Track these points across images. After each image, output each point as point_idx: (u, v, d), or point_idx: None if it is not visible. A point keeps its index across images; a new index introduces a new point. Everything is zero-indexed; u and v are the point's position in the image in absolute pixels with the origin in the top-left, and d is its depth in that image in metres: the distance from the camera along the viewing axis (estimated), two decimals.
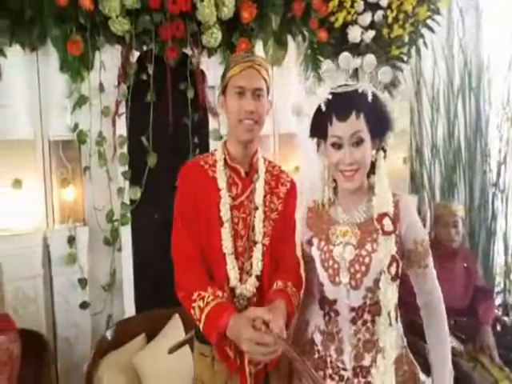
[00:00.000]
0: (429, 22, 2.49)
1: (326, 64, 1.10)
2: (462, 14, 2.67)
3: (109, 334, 1.73)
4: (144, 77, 1.91)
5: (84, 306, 1.82)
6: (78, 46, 1.76)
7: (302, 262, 1.18)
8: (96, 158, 1.87)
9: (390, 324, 1.03)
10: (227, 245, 1.06)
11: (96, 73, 1.85)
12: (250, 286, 1.08)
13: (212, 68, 2.01)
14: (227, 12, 1.94)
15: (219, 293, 1.00)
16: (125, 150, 1.93)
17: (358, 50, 2.30)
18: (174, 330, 1.70)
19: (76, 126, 1.83)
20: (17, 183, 1.74)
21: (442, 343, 1.09)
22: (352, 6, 2.24)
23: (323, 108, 1.01)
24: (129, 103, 1.90)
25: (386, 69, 1.10)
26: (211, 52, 2.02)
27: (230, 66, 1.11)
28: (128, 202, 1.93)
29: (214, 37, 1.94)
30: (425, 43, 2.52)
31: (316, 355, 1.12)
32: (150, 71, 1.91)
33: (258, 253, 1.09)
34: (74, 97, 1.81)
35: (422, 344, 1.19)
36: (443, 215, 2.07)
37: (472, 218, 2.62)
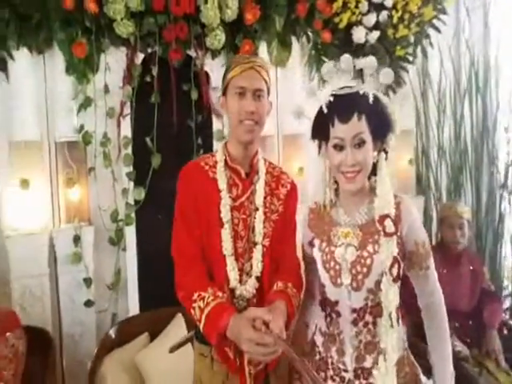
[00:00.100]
0: (435, 21, 2.48)
1: (327, 66, 1.10)
2: (468, 14, 2.65)
3: (112, 332, 1.75)
4: (148, 78, 1.93)
5: (89, 304, 1.85)
6: (83, 48, 1.79)
7: (302, 263, 1.18)
8: (101, 158, 1.89)
9: (392, 325, 1.03)
10: (227, 246, 1.07)
11: (101, 75, 1.88)
12: (249, 287, 1.08)
13: (216, 69, 2.02)
14: (231, 14, 1.95)
15: (219, 293, 1.01)
16: (129, 150, 1.95)
17: (362, 50, 2.30)
18: (177, 329, 1.72)
19: (81, 127, 1.86)
20: (24, 183, 1.77)
21: (443, 345, 1.09)
22: (356, 7, 2.24)
23: (325, 110, 1.01)
24: (133, 104, 1.92)
25: (387, 70, 1.10)
26: (215, 54, 2.03)
27: (230, 67, 1.11)
28: (132, 203, 1.95)
29: (217, 39, 1.96)
30: (431, 43, 2.50)
31: (317, 356, 1.12)
32: (154, 73, 1.93)
33: (257, 254, 1.09)
34: (79, 98, 1.84)
35: (422, 346, 1.18)
36: (449, 217, 2.05)
37: (479, 220, 2.59)
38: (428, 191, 2.62)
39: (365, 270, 1.03)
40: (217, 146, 2.06)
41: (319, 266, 1.09)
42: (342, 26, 2.24)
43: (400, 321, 1.09)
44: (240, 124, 1.09)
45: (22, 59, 1.77)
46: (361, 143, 1.00)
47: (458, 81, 2.64)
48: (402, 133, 2.56)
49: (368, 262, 1.03)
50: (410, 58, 2.46)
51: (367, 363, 1.04)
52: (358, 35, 2.25)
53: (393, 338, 1.03)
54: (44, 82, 1.84)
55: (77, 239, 1.83)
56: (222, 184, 1.10)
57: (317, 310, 1.15)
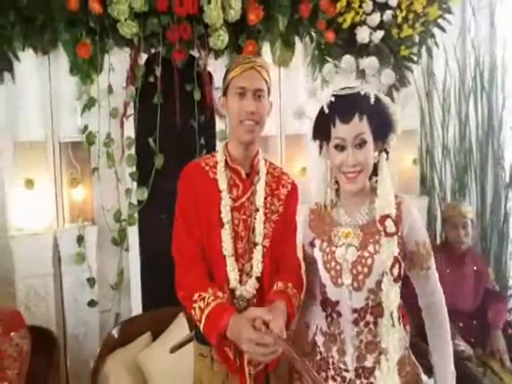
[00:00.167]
0: (440, 21, 2.46)
1: (328, 66, 1.10)
2: (474, 13, 2.62)
3: (115, 332, 1.76)
4: (152, 79, 1.94)
5: (92, 304, 1.86)
6: (87, 49, 1.80)
7: (302, 264, 1.18)
8: (104, 158, 1.90)
9: (393, 325, 1.03)
10: (227, 246, 1.07)
11: (105, 75, 1.88)
12: (249, 288, 1.08)
13: (219, 70, 2.02)
14: (234, 14, 1.95)
15: (220, 293, 1.01)
16: (132, 151, 1.96)
17: (366, 50, 2.29)
18: (179, 328, 1.72)
19: (85, 127, 1.86)
20: (29, 183, 1.79)
21: (444, 344, 1.09)
22: (360, 7, 2.23)
23: (326, 110, 1.01)
24: (137, 105, 1.93)
25: (388, 71, 1.10)
26: (218, 54, 2.03)
27: (231, 68, 1.12)
28: (135, 203, 1.96)
29: (220, 39, 1.96)
30: (436, 43, 2.49)
31: (318, 356, 1.13)
32: (158, 73, 1.93)
33: (258, 254, 1.09)
34: (83, 99, 1.85)
35: (424, 345, 1.18)
36: (452, 216, 2.05)
37: (484, 221, 2.57)
38: (432, 191, 2.60)
39: (366, 270, 1.03)
40: (220, 146, 2.06)
41: (320, 266, 1.09)
42: (345, 26, 2.23)
43: (401, 320, 1.09)
44: (240, 124, 1.09)
45: (27, 60, 1.79)
46: (362, 143, 1.00)
47: (462, 80, 2.63)
48: (406, 133, 2.56)
49: (369, 262, 1.03)
50: (415, 58, 2.45)
51: (368, 363, 1.04)
52: (362, 35, 2.25)
53: (394, 337, 1.03)
54: (49, 82, 1.85)
55: (80, 239, 1.84)
56: (223, 184, 1.10)
57: (318, 310, 1.15)
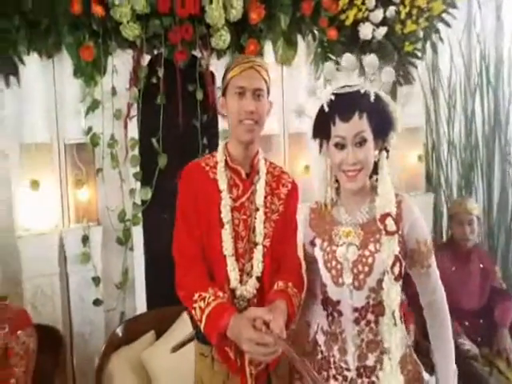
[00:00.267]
0: (445, 15, 2.43)
1: (328, 66, 1.09)
2: (480, 7, 2.59)
3: (119, 331, 1.79)
4: (154, 80, 1.96)
5: (97, 303, 1.88)
6: (91, 51, 1.82)
7: (303, 263, 1.18)
8: (109, 159, 1.92)
9: (395, 324, 1.03)
10: (228, 246, 1.07)
11: (108, 77, 1.90)
12: (250, 288, 1.08)
13: (221, 69, 1.99)
14: (235, 14, 1.96)
15: (220, 293, 1.01)
16: (136, 151, 1.98)
17: (369, 47, 2.27)
18: (183, 327, 1.73)
19: (89, 129, 1.89)
20: (35, 184, 1.82)
21: (446, 343, 1.08)
22: (363, 3, 2.21)
23: (326, 109, 1.01)
24: (140, 106, 1.95)
25: (388, 69, 1.09)
26: (220, 54, 2.04)
27: (230, 68, 1.12)
28: (139, 203, 1.98)
29: (222, 39, 1.96)
30: (440, 38, 2.46)
31: (319, 356, 1.12)
32: (160, 74, 1.95)
33: (258, 254, 1.09)
34: (87, 101, 1.87)
35: (425, 344, 1.17)
36: (458, 213, 2.03)
37: (491, 218, 2.53)
38: (438, 188, 2.58)
39: (366, 269, 1.03)
40: (220, 146, 2.07)
41: (321, 265, 1.09)
42: (348, 23, 2.22)
43: (402, 319, 1.08)
44: (240, 124, 1.09)
45: (32, 64, 1.81)
46: (362, 142, 1.00)
47: (468, 75, 2.59)
48: (410, 130, 2.54)
49: (370, 260, 1.03)
50: (419, 54, 2.43)
51: (369, 362, 1.04)
52: (365, 32, 2.23)
53: (396, 337, 1.03)
54: (53, 85, 1.88)
55: (85, 239, 1.87)
56: (223, 184, 1.10)
57: (318, 309, 1.15)
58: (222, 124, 2.08)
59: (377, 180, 1.07)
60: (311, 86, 1.13)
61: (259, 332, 0.91)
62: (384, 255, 1.01)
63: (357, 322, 1.05)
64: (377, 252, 1.02)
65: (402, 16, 2.29)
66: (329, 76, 1.10)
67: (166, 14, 1.88)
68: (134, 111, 1.96)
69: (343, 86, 1.02)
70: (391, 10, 2.26)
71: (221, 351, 1.07)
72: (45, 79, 1.85)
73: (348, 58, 1.11)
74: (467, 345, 1.79)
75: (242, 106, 1.08)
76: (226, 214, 1.08)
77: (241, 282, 1.08)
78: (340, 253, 1.05)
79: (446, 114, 2.57)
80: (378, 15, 2.24)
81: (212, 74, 2.04)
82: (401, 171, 2.45)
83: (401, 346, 1.05)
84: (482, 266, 2.03)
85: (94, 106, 1.88)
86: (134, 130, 1.97)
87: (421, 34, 2.40)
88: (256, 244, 1.10)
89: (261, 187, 1.13)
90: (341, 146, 1.01)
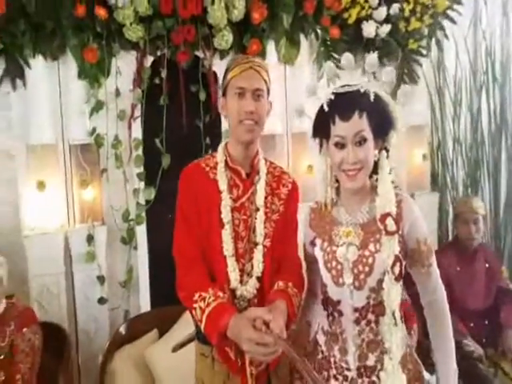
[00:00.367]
0: (450, 12, 2.40)
1: (328, 65, 1.09)
2: (486, 2, 2.55)
3: (123, 329, 1.81)
4: (158, 81, 1.97)
5: (102, 301, 1.91)
6: (95, 53, 1.84)
7: (303, 263, 1.18)
8: (113, 160, 1.94)
9: (396, 324, 1.02)
10: (228, 247, 1.07)
11: (112, 78, 1.92)
12: (250, 288, 1.08)
13: (224, 69, 2.04)
14: (237, 14, 1.96)
15: (220, 293, 1.01)
16: (140, 152, 1.99)
17: (373, 45, 2.26)
18: (185, 326, 1.74)
19: (94, 130, 1.91)
20: (41, 185, 1.84)
21: (447, 342, 1.08)
22: (366, 1, 2.21)
23: (326, 108, 1.01)
24: (143, 107, 1.96)
25: (389, 69, 1.09)
26: (223, 54, 2.05)
27: (230, 68, 1.12)
28: (143, 203, 2.00)
29: (225, 39, 1.97)
30: (445, 35, 2.43)
31: (320, 355, 1.12)
32: (163, 75, 1.96)
33: (258, 254, 1.09)
34: (91, 102, 1.89)
35: (426, 343, 1.17)
36: (463, 212, 2.01)
37: (498, 218, 2.50)
38: (444, 187, 2.55)
39: (367, 269, 1.02)
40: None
41: (321, 265, 1.09)
42: (351, 21, 2.21)
43: (402, 319, 1.08)
44: (240, 124, 1.09)
45: (37, 66, 1.84)
46: (362, 141, 0.99)
47: (474, 72, 2.56)
48: (415, 128, 2.51)
49: (370, 261, 1.02)
50: (424, 51, 2.41)
51: (370, 361, 1.04)
52: (369, 30, 2.22)
53: (397, 336, 1.03)
54: (58, 87, 1.90)
55: (90, 238, 1.89)
56: (223, 185, 1.10)
57: (319, 309, 1.15)
58: (225, 124, 2.09)
59: (377, 180, 1.06)
60: (311, 86, 1.13)
61: (259, 332, 0.91)
62: (384, 255, 1.01)
63: (357, 321, 1.04)
64: (377, 252, 1.02)
65: (406, 13, 2.27)
66: (329, 75, 1.10)
67: (169, 16, 1.89)
68: (137, 112, 1.97)
69: (343, 86, 1.02)
70: (395, 7, 2.25)
71: (221, 351, 1.07)
72: (50, 81, 1.88)
73: (347, 58, 1.11)
74: (472, 346, 1.77)
75: (241, 106, 1.08)
76: (226, 215, 1.08)
77: (241, 282, 1.07)
78: (340, 253, 1.05)
79: (452, 112, 2.54)
80: (381, 13, 2.23)
81: (215, 75, 2.05)
82: (406, 170, 2.44)
83: (401, 345, 1.05)
84: (487, 265, 2.01)
85: (98, 107, 1.90)
86: (137, 131, 1.99)
87: (425, 31, 2.38)
88: (256, 244, 1.10)
89: (261, 187, 1.13)
90: (341, 146, 1.01)
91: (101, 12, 1.80)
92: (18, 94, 1.85)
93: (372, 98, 0.99)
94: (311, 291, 1.19)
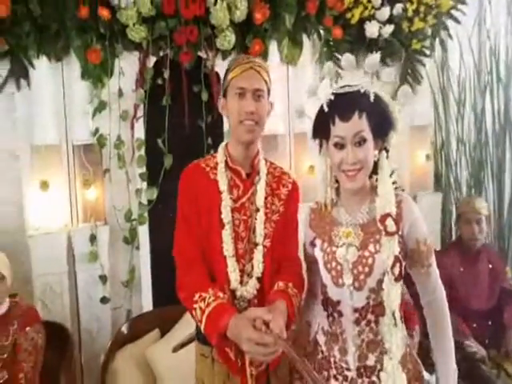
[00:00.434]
0: (454, 12, 2.39)
1: (327, 65, 1.10)
2: (490, 2, 2.53)
3: (125, 328, 1.82)
4: (160, 81, 1.98)
5: (104, 301, 1.92)
6: (98, 54, 1.85)
7: (304, 263, 1.18)
8: (115, 160, 1.95)
9: (395, 324, 1.02)
10: (228, 247, 1.07)
11: (115, 79, 1.93)
12: (250, 288, 1.08)
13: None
14: (240, 14, 1.97)
15: (220, 294, 1.01)
16: (142, 152, 2.00)
17: (376, 45, 2.25)
18: (186, 326, 1.75)
19: (97, 130, 1.92)
20: (44, 185, 1.86)
21: (446, 342, 1.08)
22: (369, 1, 2.20)
23: (325, 109, 1.01)
24: (146, 107, 1.97)
25: (389, 70, 1.09)
26: (225, 54, 2.05)
27: (230, 68, 1.12)
28: (145, 203, 2.01)
29: (227, 39, 1.98)
30: (449, 35, 2.42)
31: (320, 356, 1.12)
32: (166, 75, 1.97)
33: (258, 255, 1.09)
34: (94, 102, 1.90)
35: (425, 342, 1.17)
36: (466, 212, 2.00)
37: (501, 219, 2.48)
38: (447, 188, 2.54)
39: (366, 269, 1.02)
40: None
41: (321, 266, 1.09)
42: (353, 21, 2.20)
43: (402, 319, 1.08)
44: (240, 124, 1.09)
45: (41, 67, 1.85)
46: (361, 141, 1.00)
47: (478, 72, 2.54)
48: (418, 128, 2.50)
49: (369, 261, 1.02)
50: (427, 52, 2.39)
51: (370, 361, 1.04)
52: (371, 30, 2.21)
53: (397, 336, 1.03)
54: (62, 87, 1.91)
55: (93, 238, 1.90)
56: (223, 185, 1.10)
57: (319, 309, 1.15)
58: (227, 125, 2.09)
59: (377, 180, 1.06)
60: (311, 87, 1.13)
61: (259, 332, 0.91)
62: (384, 256, 1.01)
63: (357, 322, 1.05)
64: (377, 253, 1.02)
65: (409, 13, 2.26)
66: (329, 75, 1.10)
67: (171, 16, 1.90)
68: (140, 112, 1.98)
69: (343, 86, 1.02)
70: (398, 7, 2.24)
71: (221, 352, 1.07)
72: (54, 82, 1.89)
73: (348, 58, 1.12)
74: (474, 347, 1.76)
75: (242, 106, 1.08)
76: (226, 215, 1.08)
77: (241, 282, 1.08)
78: (340, 254, 1.05)
79: (456, 112, 2.53)
80: (384, 13, 2.22)
81: (217, 75, 2.05)
82: (409, 170, 2.43)
83: (401, 345, 1.05)
84: (491, 266, 2.00)
85: (101, 107, 1.91)
86: (140, 131, 2.00)
87: (429, 31, 2.37)
88: (256, 244, 1.10)
89: (261, 188, 1.13)
90: (340, 146, 1.01)
91: (104, 13, 1.81)
92: (23, 94, 1.86)
93: (372, 98, 0.99)
94: (311, 292, 1.19)
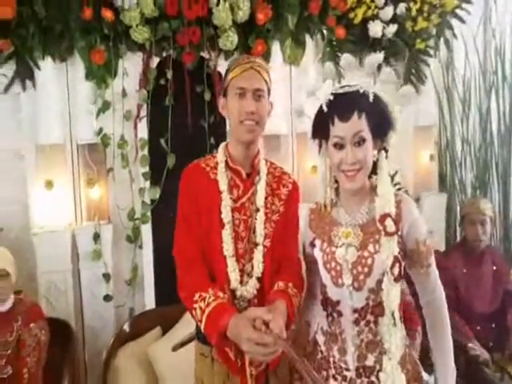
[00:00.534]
0: (459, 11, 2.37)
1: (327, 66, 1.10)
2: (495, 1, 2.51)
3: (127, 326, 1.84)
4: (163, 81, 1.99)
5: (107, 298, 1.94)
6: (102, 55, 1.87)
7: (303, 264, 1.18)
8: (119, 159, 1.97)
9: (395, 324, 1.02)
10: (228, 247, 1.07)
11: (119, 79, 1.95)
12: (250, 288, 1.08)
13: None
14: (242, 15, 1.97)
15: (220, 294, 1.01)
16: (145, 151, 2.02)
17: (380, 45, 2.24)
18: (188, 324, 1.75)
19: (100, 130, 1.94)
20: (49, 184, 1.88)
21: (445, 342, 1.08)
22: (372, 1, 2.19)
23: (325, 109, 1.01)
24: (149, 107, 1.99)
25: (388, 69, 1.09)
26: (228, 55, 2.06)
27: (230, 68, 1.12)
28: (148, 202, 2.02)
29: (229, 40, 1.98)
30: (454, 34, 2.40)
31: (319, 355, 1.12)
32: (169, 76, 1.98)
33: (258, 255, 1.09)
34: (98, 103, 1.92)
35: (425, 343, 1.16)
36: (470, 213, 1.99)
37: (507, 220, 2.45)
38: (452, 188, 2.52)
39: (366, 270, 1.02)
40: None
41: (320, 266, 1.09)
42: (356, 21, 2.20)
43: (402, 319, 1.08)
44: (240, 124, 1.09)
45: (46, 68, 1.88)
46: (361, 141, 1.00)
47: (483, 71, 2.51)
48: (422, 129, 2.48)
49: (369, 261, 1.02)
50: (432, 51, 2.38)
51: (369, 362, 1.04)
52: (375, 30, 2.21)
53: (396, 337, 1.03)
54: (66, 88, 1.94)
55: (97, 237, 1.92)
56: (223, 185, 1.10)
57: (318, 309, 1.15)
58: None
59: (376, 180, 1.06)
60: (311, 87, 1.13)
61: (259, 332, 0.91)
62: (383, 256, 1.01)
63: (356, 322, 1.04)
64: (376, 253, 1.02)
65: (413, 13, 2.25)
66: (329, 75, 1.10)
67: (174, 17, 1.92)
68: (143, 112, 2.00)
69: (342, 86, 1.02)
70: (401, 6, 2.23)
71: (221, 352, 1.07)
72: (58, 82, 1.92)
73: (347, 58, 1.12)
74: (477, 350, 1.75)
75: (242, 106, 1.08)
76: (226, 215, 1.08)
77: (241, 282, 1.07)
78: (339, 254, 1.05)
79: (461, 112, 2.51)
80: (387, 13, 2.21)
81: (220, 75, 2.06)
82: (413, 171, 2.41)
83: (401, 346, 1.04)
84: (495, 268, 1.98)
85: (104, 107, 1.93)
86: (143, 131, 2.02)
87: (433, 30, 2.35)
88: (256, 244, 1.10)
89: (261, 188, 1.13)
90: (340, 146, 1.01)
91: (107, 14, 1.83)
92: (28, 94, 1.89)
93: (371, 98, 0.99)
94: (311, 292, 1.19)
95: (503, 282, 1.96)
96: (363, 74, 1.02)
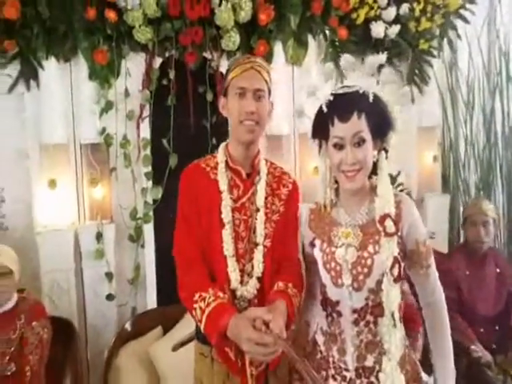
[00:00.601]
0: (463, 11, 2.36)
1: (327, 66, 1.10)
2: (500, 1, 2.49)
3: (129, 325, 1.84)
4: (166, 82, 2.00)
5: (110, 298, 1.95)
6: (105, 55, 1.88)
7: (303, 264, 1.18)
8: (122, 159, 1.98)
9: (395, 325, 1.02)
10: (228, 247, 1.07)
11: (122, 79, 1.96)
12: (250, 288, 1.08)
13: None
14: (244, 15, 1.98)
15: (220, 294, 1.01)
16: (148, 151, 2.03)
17: (382, 45, 2.24)
18: (189, 324, 1.76)
19: (103, 129, 1.95)
20: (52, 183, 1.90)
21: (445, 343, 1.08)
22: (375, 1, 2.19)
23: (324, 109, 1.01)
24: (152, 107, 2.00)
25: (388, 70, 1.09)
26: (230, 55, 2.06)
27: (231, 68, 1.13)
28: (151, 202, 2.03)
29: (232, 40, 1.99)
30: (458, 35, 2.39)
31: (318, 356, 1.13)
32: (172, 76, 1.99)
33: (259, 255, 1.09)
34: (101, 102, 1.94)
35: (425, 343, 1.16)
36: (472, 214, 1.97)
37: (511, 222, 2.43)
38: (456, 190, 2.51)
39: (365, 270, 1.02)
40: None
41: (320, 266, 1.09)
42: (359, 21, 2.20)
43: (401, 319, 1.07)
44: (240, 124, 1.09)
45: (50, 68, 1.89)
46: (360, 142, 1.00)
47: (487, 72, 2.50)
48: (425, 129, 2.47)
49: (369, 262, 1.02)
50: (435, 52, 2.37)
51: (368, 362, 1.04)
52: (377, 30, 2.20)
53: (396, 337, 1.02)
54: (70, 88, 1.95)
55: (99, 236, 1.93)
56: (223, 185, 1.10)
57: (318, 309, 1.15)
58: None
59: (376, 180, 1.06)
60: (311, 87, 1.13)
61: (259, 332, 0.91)
62: (383, 256, 1.01)
63: (356, 322, 1.05)
64: (376, 253, 1.02)
65: (416, 13, 2.25)
66: (330, 76, 1.10)
67: (177, 18, 1.92)
68: (146, 112, 2.01)
69: (342, 86, 1.03)
70: (404, 7, 2.23)
71: (221, 352, 1.07)
72: (62, 82, 1.93)
73: (347, 59, 1.12)
74: (480, 352, 1.74)
75: (242, 106, 1.08)
76: (226, 215, 1.08)
77: (241, 282, 1.08)
78: (339, 254, 1.05)
79: (464, 113, 2.50)
80: (390, 13, 2.21)
81: (222, 75, 2.06)
82: (416, 171, 2.40)
83: (400, 346, 1.04)
84: (498, 270, 1.96)
85: (107, 107, 1.94)
86: (146, 131, 2.03)
87: (437, 31, 2.34)
88: (256, 244, 1.10)
89: (261, 188, 1.13)
90: (339, 147, 1.01)
91: (111, 15, 1.85)
92: (32, 94, 1.90)
93: (371, 98, 0.99)
94: (310, 292, 1.19)
95: (507, 284, 1.94)
96: (364, 75, 1.01)
